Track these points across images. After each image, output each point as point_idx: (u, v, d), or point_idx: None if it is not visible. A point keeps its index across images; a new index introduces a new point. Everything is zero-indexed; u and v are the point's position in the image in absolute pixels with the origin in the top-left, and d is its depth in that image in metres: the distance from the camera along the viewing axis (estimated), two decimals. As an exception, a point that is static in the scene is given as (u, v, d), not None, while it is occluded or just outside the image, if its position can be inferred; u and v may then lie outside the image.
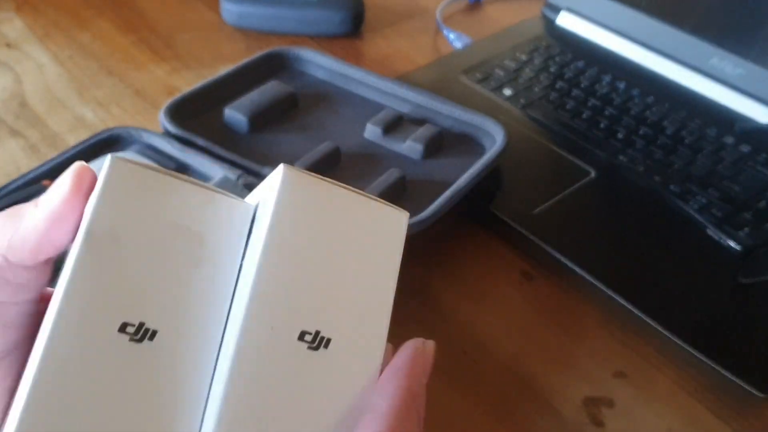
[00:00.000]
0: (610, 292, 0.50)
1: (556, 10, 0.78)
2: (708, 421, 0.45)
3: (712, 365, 0.46)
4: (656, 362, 0.49)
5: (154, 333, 0.21)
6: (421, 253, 0.55)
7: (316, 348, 0.23)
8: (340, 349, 0.23)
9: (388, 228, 0.26)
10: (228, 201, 0.24)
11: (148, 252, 0.22)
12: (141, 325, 0.21)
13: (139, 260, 0.22)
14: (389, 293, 0.26)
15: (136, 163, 0.22)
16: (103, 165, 0.22)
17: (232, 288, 0.23)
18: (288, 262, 0.23)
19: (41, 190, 0.51)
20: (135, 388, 0.21)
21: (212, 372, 0.22)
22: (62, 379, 0.20)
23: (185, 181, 0.23)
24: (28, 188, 0.52)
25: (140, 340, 0.21)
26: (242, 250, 0.24)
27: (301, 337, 0.23)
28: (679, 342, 0.48)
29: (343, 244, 0.24)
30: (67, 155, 0.55)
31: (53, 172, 0.54)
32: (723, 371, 0.46)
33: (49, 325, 0.20)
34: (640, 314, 0.49)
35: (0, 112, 0.67)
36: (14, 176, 0.54)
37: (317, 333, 0.23)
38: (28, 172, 0.54)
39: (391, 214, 0.26)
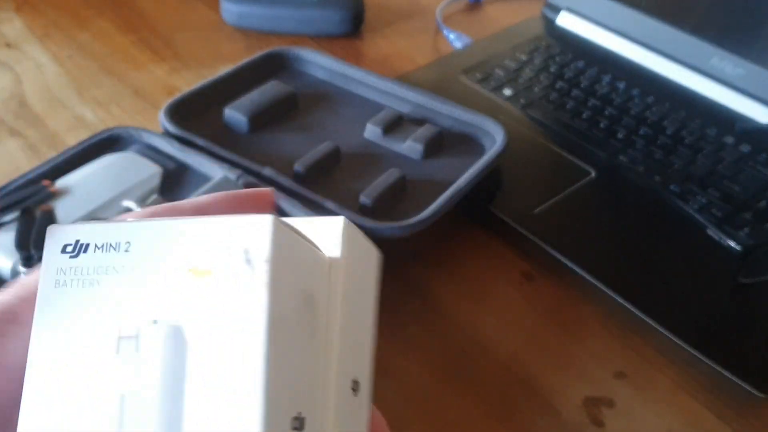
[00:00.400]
0: (610, 292, 0.50)
1: (556, 10, 0.78)
2: (708, 421, 0.45)
3: (713, 365, 0.46)
4: (656, 362, 0.49)
5: (303, 422, 0.19)
6: (421, 253, 0.55)
7: (356, 393, 0.23)
8: (363, 387, 0.23)
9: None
10: (323, 257, 0.21)
11: (298, 329, 0.19)
12: (299, 415, 0.19)
13: (293, 339, 0.19)
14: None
15: (287, 226, 0.20)
16: (263, 231, 0.19)
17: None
18: (353, 314, 0.22)
19: (41, 190, 0.51)
20: None
21: None
22: None
23: (305, 240, 0.21)
24: (28, 188, 0.52)
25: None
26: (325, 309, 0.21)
27: (352, 386, 0.22)
28: (680, 342, 0.48)
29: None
30: (67, 155, 0.55)
31: (53, 172, 0.54)
32: (723, 371, 0.46)
33: (258, 426, 0.17)
34: (640, 314, 0.49)
35: (0, 111, 0.67)
36: (14, 176, 0.54)
37: (356, 380, 0.22)
38: (28, 172, 0.54)
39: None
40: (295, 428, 0.19)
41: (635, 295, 0.50)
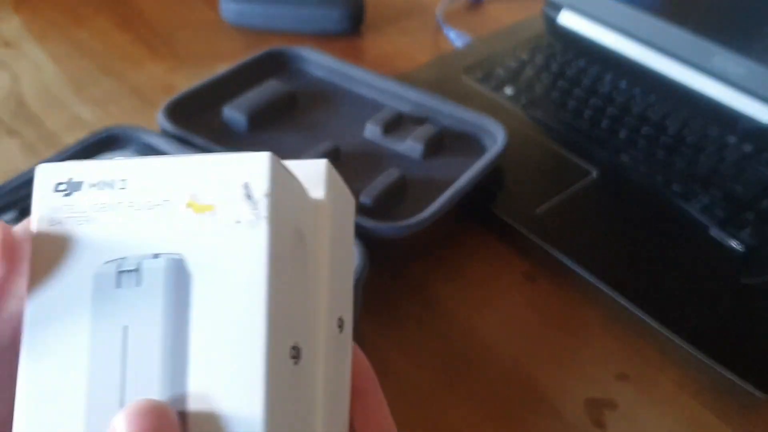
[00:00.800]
0: (612, 293, 0.50)
1: (558, 8, 0.78)
2: (710, 423, 0.45)
3: (715, 366, 0.46)
4: (658, 364, 0.48)
5: (299, 351, 0.20)
6: (421, 253, 0.54)
7: (341, 330, 0.23)
8: (347, 325, 0.24)
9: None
10: (310, 197, 0.22)
11: (292, 263, 0.20)
12: (296, 345, 0.20)
13: (289, 272, 0.20)
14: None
15: (282, 165, 0.20)
16: (261, 166, 0.19)
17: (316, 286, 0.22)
18: (338, 254, 0.23)
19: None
20: (298, 407, 0.20)
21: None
22: (281, 419, 0.19)
23: (296, 179, 0.21)
24: (26, 188, 0.51)
25: (296, 362, 0.20)
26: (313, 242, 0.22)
27: (338, 323, 0.23)
28: (681, 343, 0.47)
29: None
30: (65, 155, 0.55)
31: (50, 171, 0.53)
32: (725, 372, 0.46)
33: (262, 367, 0.18)
34: (642, 315, 0.49)
35: (-3, 111, 0.67)
36: (12, 176, 0.53)
37: (341, 317, 0.23)
38: (26, 172, 0.53)
39: None
40: (293, 357, 0.19)
41: (637, 295, 0.50)
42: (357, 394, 0.25)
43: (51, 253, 0.20)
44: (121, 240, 0.19)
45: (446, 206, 0.51)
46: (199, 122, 0.59)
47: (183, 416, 0.18)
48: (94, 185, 0.20)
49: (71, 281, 0.19)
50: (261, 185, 0.19)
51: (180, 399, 0.18)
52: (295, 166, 0.22)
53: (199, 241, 0.19)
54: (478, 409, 0.46)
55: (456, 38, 0.77)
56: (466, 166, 0.55)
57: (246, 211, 0.19)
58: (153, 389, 0.18)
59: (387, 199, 0.53)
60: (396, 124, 0.60)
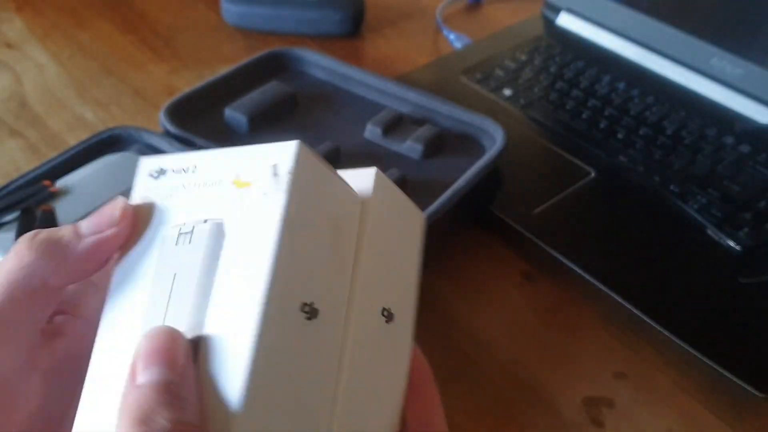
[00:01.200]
0: (610, 293, 0.50)
1: (556, 10, 0.78)
2: (708, 422, 0.45)
3: (712, 365, 0.46)
4: (656, 362, 0.49)
5: (316, 312, 0.23)
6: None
7: (388, 321, 0.26)
8: (400, 321, 0.27)
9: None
10: (354, 196, 0.26)
11: (317, 240, 0.24)
12: (312, 304, 0.23)
13: (310, 245, 0.24)
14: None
15: (314, 154, 0.24)
16: (289, 150, 0.24)
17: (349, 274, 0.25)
18: (385, 251, 0.27)
19: (41, 190, 0.51)
20: (306, 361, 0.23)
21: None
22: (276, 358, 0.22)
23: (336, 175, 0.25)
24: (28, 188, 0.52)
25: (309, 318, 0.23)
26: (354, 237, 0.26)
27: (383, 312, 0.26)
28: (679, 342, 0.48)
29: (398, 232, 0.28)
30: (67, 155, 0.55)
31: (53, 172, 0.54)
32: (723, 371, 0.46)
33: (259, 307, 0.21)
34: (640, 314, 0.49)
35: (0, 112, 0.67)
36: (14, 176, 0.54)
37: (389, 309, 0.27)
38: (28, 172, 0.54)
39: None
40: (306, 312, 0.23)
41: (635, 295, 0.50)
42: (410, 387, 0.27)
43: (140, 221, 0.25)
44: (187, 209, 0.25)
45: (446, 206, 0.51)
46: (200, 123, 0.60)
47: (196, 342, 0.22)
48: (174, 171, 0.26)
49: (147, 242, 0.25)
50: (285, 165, 0.23)
51: (196, 327, 0.22)
52: (350, 174, 0.27)
53: (236, 209, 0.24)
54: (476, 407, 0.46)
55: (455, 40, 0.78)
56: (465, 166, 0.55)
57: (272, 185, 0.23)
58: (182, 321, 0.23)
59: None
60: (396, 125, 0.60)
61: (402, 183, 0.55)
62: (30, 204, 0.50)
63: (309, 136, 0.60)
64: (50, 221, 0.49)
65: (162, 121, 0.58)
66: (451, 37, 0.78)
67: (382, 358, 0.26)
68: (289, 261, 0.22)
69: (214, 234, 0.24)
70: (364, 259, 0.25)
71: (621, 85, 0.69)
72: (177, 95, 0.60)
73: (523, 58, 0.73)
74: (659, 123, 0.65)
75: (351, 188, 0.26)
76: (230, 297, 0.22)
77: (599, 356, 0.49)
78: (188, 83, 0.69)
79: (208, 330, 0.22)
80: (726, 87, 0.67)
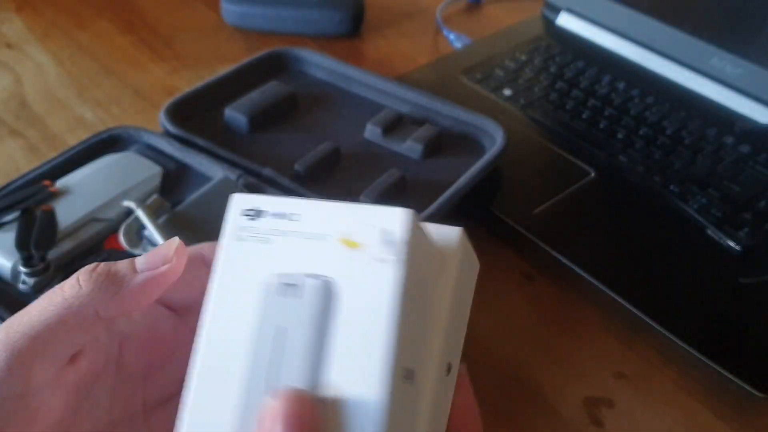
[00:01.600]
0: (610, 293, 0.50)
1: (556, 10, 0.78)
2: (708, 422, 0.45)
3: (712, 365, 0.46)
4: (656, 362, 0.49)
5: (413, 375, 0.24)
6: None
7: (447, 374, 0.27)
8: (453, 372, 0.28)
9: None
10: (437, 253, 0.27)
11: (414, 303, 0.24)
12: (411, 369, 0.24)
13: (415, 311, 0.24)
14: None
15: (418, 221, 0.25)
16: (403, 218, 0.24)
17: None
18: (456, 307, 0.28)
19: (41, 190, 0.51)
20: (403, 422, 0.24)
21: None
22: (395, 423, 0.23)
23: (427, 236, 0.26)
24: (28, 188, 0.52)
25: (409, 383, 0.24)
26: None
27: (447, 367, 0.27)
28: (679, 342, 0.48)
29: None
30: (67, 155, 0.55)
31: (53, 172, 0.54)
32: (723, 371, 0.46)
33: (386, 376, 0.22)
34: (640, 314, 0.49)
35: (0, 112, 0.67)
36: (14, 176, 0.54)
37: (450, 363, 0.27)
38: (28, 172, 0.54)
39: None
40: (407, 377, 0.24)
41: (635, 295, 0.50)
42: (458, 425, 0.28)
43: (234, 259, 0.25)
44: (289, 259, 0.25)
45: (445, 206, 0.51)
46: (200, 123, 0.60)
47: (318, 402, 0.23)
48: (273, 215, 0.26)
49: (244, 283, 0.25)
50: (402, 234, 0.24)
51: (315, 388, 0.23)
52: (434, 228, 0.28)
53: (347, 270, 0.24)
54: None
55: (455, 40, 0.78)
56: (465, 166, 0.55)
57: (388, 252, 0.24)
58: (297, 379, 0.23)
59: (387, 199, 0.53)
60: (396, 125, 0.60)
61: (402, 183, 0.55)
62: (30, 204, 0.50)
63: (309, 136, 0.60)
64: (50, 221, 0.49)
65: (162, 121, 0.58)
66: (451, 37, 0.78)
67: (441, 410, 0.27)
68: (403, 330, 0.23)
69: (326, 292, 0.24)
70: (443, 318, 0.26)
71: (621, 85, 0.69)
72: (177, 95, 0.60)
73: (523, 58, 0.73)
74: (659, 123, 0.65)
75: (437, 249, 0.27)
76: (350, 362, 0.23)
77: (599, 356, 0.49)
78: (188, 83, 0.69)
79: (327, 392, 0.23)
80: (726, 87, 0.67)
